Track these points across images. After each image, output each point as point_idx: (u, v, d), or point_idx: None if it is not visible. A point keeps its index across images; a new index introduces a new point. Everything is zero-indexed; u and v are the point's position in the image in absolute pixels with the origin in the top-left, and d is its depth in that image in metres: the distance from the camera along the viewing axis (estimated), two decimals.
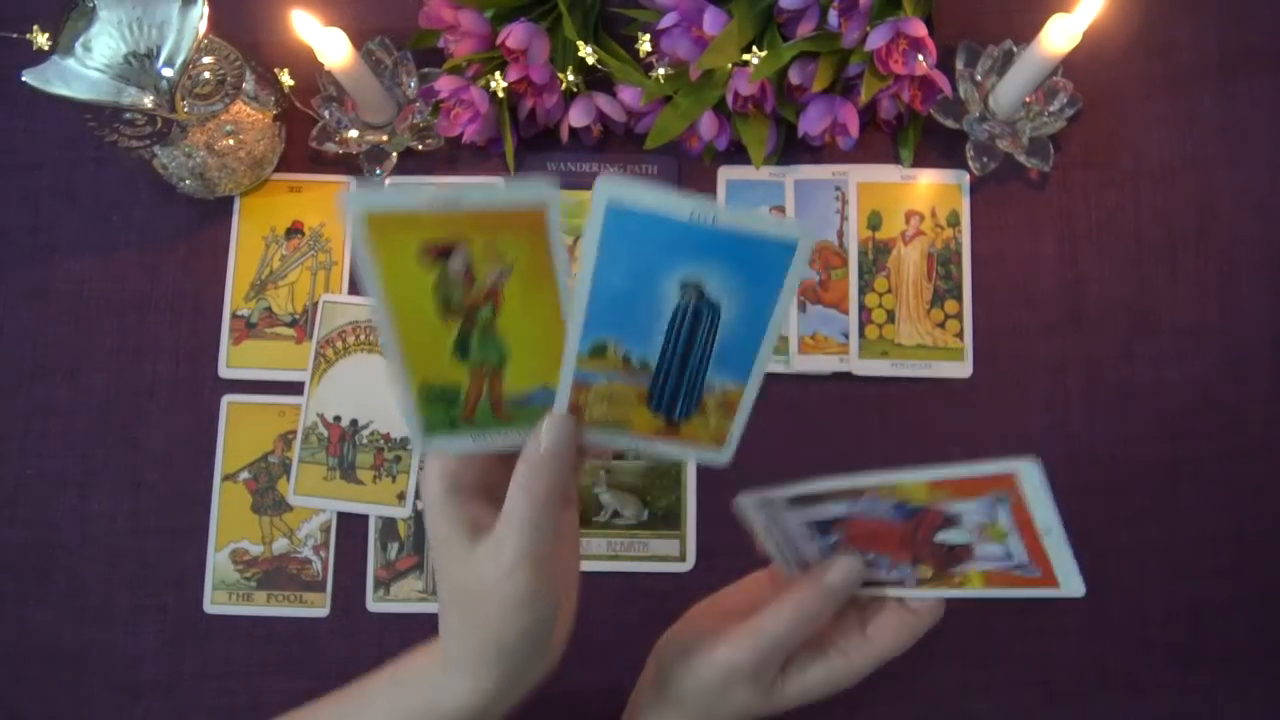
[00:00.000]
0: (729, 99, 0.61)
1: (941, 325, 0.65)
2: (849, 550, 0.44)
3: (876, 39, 0.58)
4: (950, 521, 0.39)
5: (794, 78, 0.62)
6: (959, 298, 0.65)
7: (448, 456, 0.42)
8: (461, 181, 0.37)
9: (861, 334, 0.64)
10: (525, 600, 0.41)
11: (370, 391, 0.65)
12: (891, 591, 0.45)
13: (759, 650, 0.44)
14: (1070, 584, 0.39)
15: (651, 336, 0.38)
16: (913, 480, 0.38)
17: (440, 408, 0.41)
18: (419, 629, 0.62)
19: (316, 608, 0.63)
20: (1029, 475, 0.36)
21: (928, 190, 0.66)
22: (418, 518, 0.64)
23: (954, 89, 0.66)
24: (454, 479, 0.42)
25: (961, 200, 0.66)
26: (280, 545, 0.64)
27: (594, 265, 0.36)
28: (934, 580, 0.43)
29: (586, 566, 0.63)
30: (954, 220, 0.65)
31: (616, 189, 0.35)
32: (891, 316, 0.65)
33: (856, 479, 0.40)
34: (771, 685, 0.46)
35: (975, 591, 0.42)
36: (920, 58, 0.60)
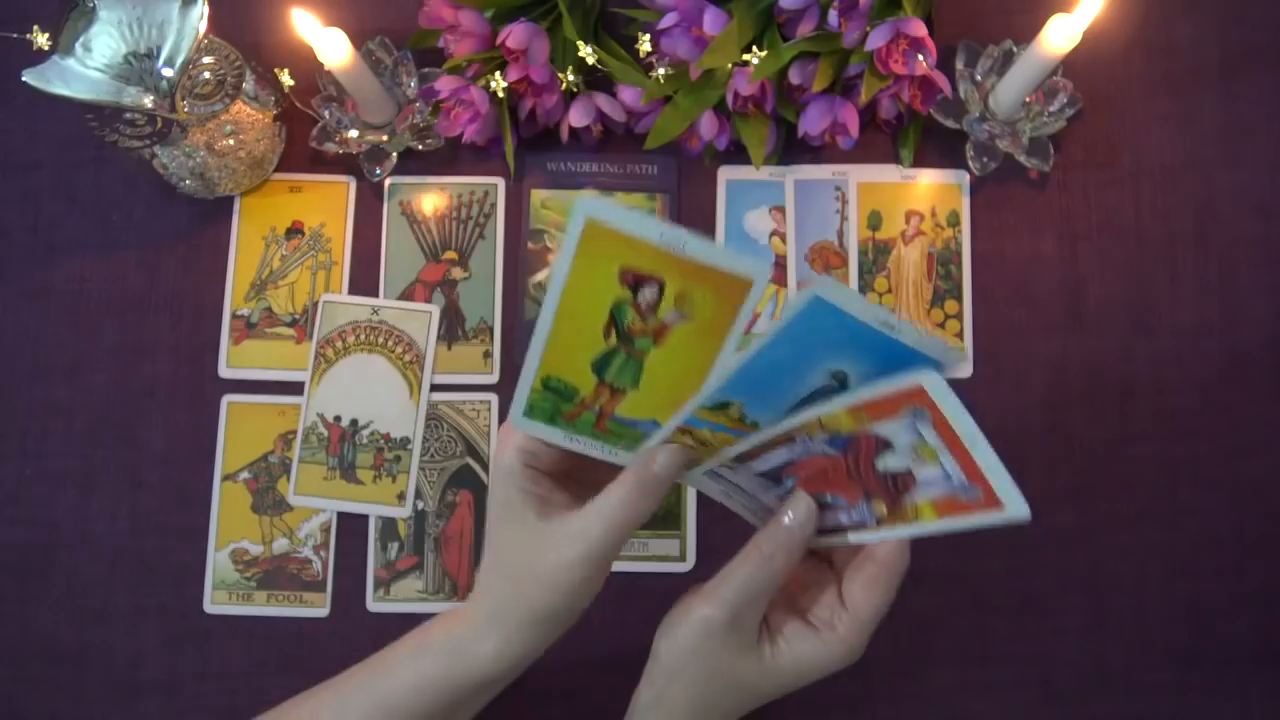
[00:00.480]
0: (729, 99, 0.61)
1: (941, 325, 0.65)
2: (804, 494, 0.45)
3: (876, 39, 0.58)
4: (885, 445, 0.40)
5: (794, 78, 0.62)
6: (959, 298, 0.65)
7: (529, 436, 0.45)
8: (670, 227, 0.37)
9: None
10: (576, 589, 0.44)
11: (370, 391, 0.65)
12: (853, 537, 0.45)
13: (726, 599, 0.44)
14: (1013, 504, 0.38)
15: (778, 407, 0.41)
16: (832, 410, 0.39)
17: (551, 399, 0.44)
18: None
19: (316, 608, 0.63)
20: (933, 384, 0.36)
21: (928, 190, 0.66)
22: (418, 518, 0.64)
23: (954, 89, 0.66)
24: (532, 456, 0.45)
25: (961, 200, 0.66)
26: (280, 545, 0.64)
27: (772, 339, 0.38)
28: (891, 517, 0.43)
29: None
30: (954, 220, 0.65)
31: (829, 288, 0.36)
32: None
33: (783, 425, 0.41)
34: (761, 652, 0.46)
35: (931, 525, 0.41)
36: (920, 58, 0.60)
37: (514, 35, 0.60)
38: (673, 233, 0.38)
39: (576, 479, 0.47)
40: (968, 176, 0.66)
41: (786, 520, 0.44)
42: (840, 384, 0.39)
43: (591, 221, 0.38)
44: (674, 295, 0.39)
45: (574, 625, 0.46)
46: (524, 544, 0.44)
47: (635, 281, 0.39)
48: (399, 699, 0.47)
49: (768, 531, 0.44)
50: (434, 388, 0.65)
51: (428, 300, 0.66)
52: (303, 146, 0.67)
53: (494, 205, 0.67)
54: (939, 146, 0.67)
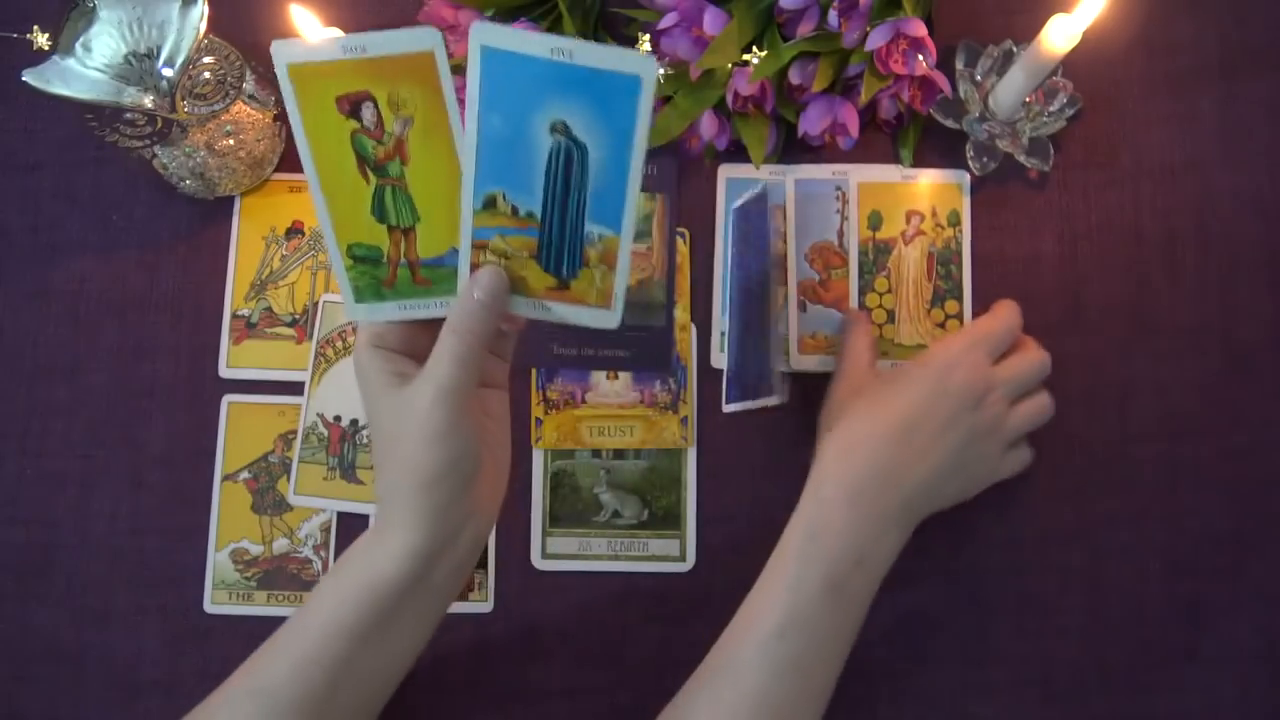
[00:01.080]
0: (729, 99, 0.61)
1: (942, 325, 0.65)
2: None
3: (876, 39, 0.58)
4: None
5: (794, 78, 0.62)
6: (959, 298, 0.65)
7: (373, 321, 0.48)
8: (349, 36, 0.40)
9: None
10: (443, 433, 0.45)
11: None
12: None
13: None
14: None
15: (534, 186, 0.42)
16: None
17: (366, 270, 0.46)
18: None
19: None
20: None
21: (928, 190, 0.66)
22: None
23: (954, 89, 0.66)
24: (380, 338, 0.48)
25: (962, 200, 0.66)
26: (280, 545, 0.64)
27: (477, 108, 0.40)
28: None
29: (586, 567, 0.63)
30: (954, 220, 0.65)
31: (490, 32, 0.39)
32: (892, 317, 0.65)
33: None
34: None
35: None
36: (920, 58, 0.60)
37: None
38: (350, 39, 0.39)
39: (425, 356, 0.48)
40: (968, 176, 0.66)
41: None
42: (567, 137, 0.40)
43: (292, 66, 0.40)
44: (386, 103, 0.41)
45: (498, 504, 0.51)
46: (391, 414, 0.46)
47: (352, 107, 0.41)
48: (325, 620, 0.49)
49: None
50: None
51: None
52: None
53: None
54: (939, 146, 0.67)
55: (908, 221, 0.65)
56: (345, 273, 0.46)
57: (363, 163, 0.43)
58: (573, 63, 0.38)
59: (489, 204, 0.43)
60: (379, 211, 0.44)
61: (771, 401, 0.61)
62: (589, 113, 0.40)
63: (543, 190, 0.42)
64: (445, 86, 0.41)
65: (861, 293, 0.65)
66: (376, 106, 0.42)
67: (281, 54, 0.40)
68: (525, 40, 0.38)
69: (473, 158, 0.41)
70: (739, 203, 0.65)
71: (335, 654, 0.48)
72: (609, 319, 0.46)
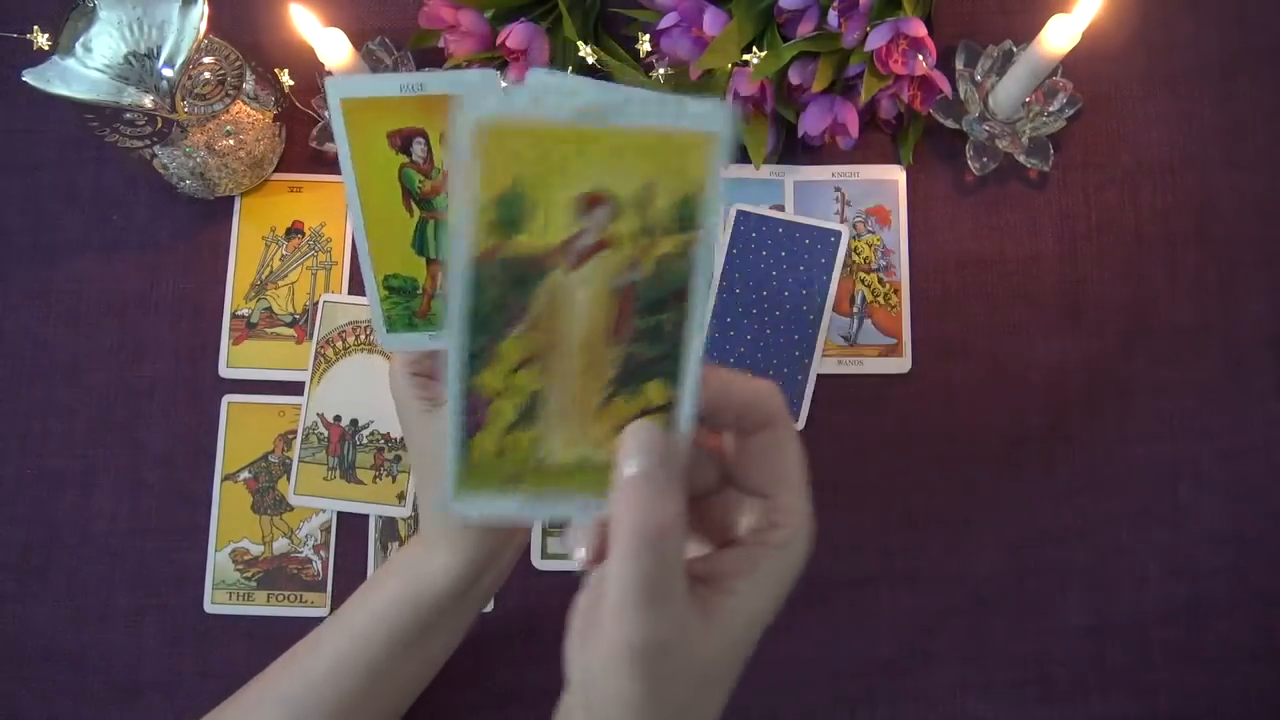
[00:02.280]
0: (729, 99, 0.61)
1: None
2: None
3: (876, 39, 0.58)
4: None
5: (794, 78, 0.62)
6: (673, 373, 0.33)
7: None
8: (407, 75, 0.41)
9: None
10: None
11: (370, 391, 0.65)
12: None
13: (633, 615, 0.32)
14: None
15: None
16: None
17: (400, 301, 0.45)
18: None
19: (316, 608, 0.63)
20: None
21: (636, 146, 0.31)
22: (418, 518, 0.64)
23: (954, 89, 0.66)
24: (415, 364, 0.47)
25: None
26: (280, 545, 0.64)
27: None
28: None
29: None
30: (686, 213, 0.30)
31: (537, 76, 0.39)
32: (528, 409, 0.32)
33: None
34: (711, 616, 0.33)
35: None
36: (920, 58, 0.60)
37: (514, 35, 0.60)
38: (410, 78, 0.39)
39: None
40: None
41: (629, 470, 0.31)
42: None
43: (345, 101, 0.39)
44: (438, 140, 0.41)
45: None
46: (429, 440, 0.46)
47: (403, 142, 0.41)
48: (365, 625, 0.49)
49: (622, 500, 0.30)
50: None
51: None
52: (303, 146, 0.67)
53: None
54: (939, 146, 0.67)
55: (583, 213, 0.31)
56: (379, 303, 0.46)
57: (409, 196, 0.44)
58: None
59: None
60: (419, 244, 0.45)
61: None
62: None
63: None
64: None
65: (470, 367, 0.31)
66: (428, 142, 0.42)
67: (336, 89, 0.40)
68: (573, 84, 0.39)
69: None
70: None
71: (373, 659, 0.49)
72: None
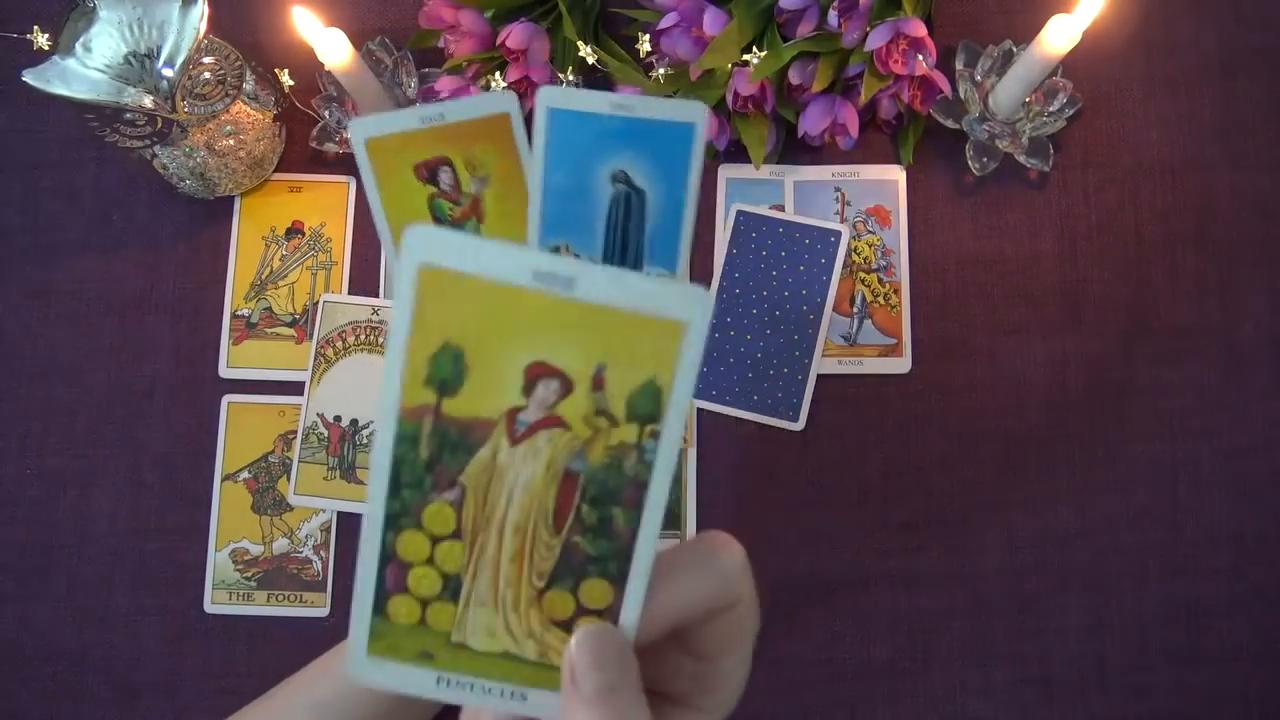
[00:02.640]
0: (729, 99, 0.61)
1: (566, 624, 0.30)
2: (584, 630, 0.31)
3: (876, 39, 0.58)
4: None
5: (794, 78, 0.62)
6: (617, 575, 0.31)
7: None
8: (426, 106, 0.42)
9: None
10: None
11: (370, 391, 0.65)
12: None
13: None
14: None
15: (595, 234, 0.43)
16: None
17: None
18: None
19: (316, 608, 0.63)
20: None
21: (622, 328, 0.30)
22: None
23: (954, 89, 0.66)
24: None
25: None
26: (280, 545, 0.64)
27: (542, 165, 0.41)
28: None
29: None
30: (652, 390, 0.28)
31: (556, 96, 0.40)
32: (453, 588, 0.30)
33: None
34: None
35: None
36: (920, 58, 0.60)
37: (514, 35, 0.60)
38: (429, 109, 0.40)
39: None
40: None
41: (589, 686, 0.28)
42: (627, 184, 0.42)
43: (370, 141, 0.40)
44: (464, 165, 0.41)
45: None
46: None
47: (429, 173, 0.42)
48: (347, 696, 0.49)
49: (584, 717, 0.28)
50: None
51: None
52: (303, 146, 0.67)
53: None
54: (939, 146, 0.67)
55: (529, 386, 0.28)
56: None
57: (439, 224, 0.44)
58: (633, 115, 0.40)
59: (554, 252, 0.44)
60: None
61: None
62: (647, 160, 0.42)
63: (604, 236, 0.44)
64: (520, 145, 0.42)
65: (388, 525, 0.29)
66: (454, 169, 0.43)
67: (360, 130, 0.41)
68: (588, 99, 0.40)
69: (538, 209, 0.42)
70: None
71: None
72: None
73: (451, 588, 0.29)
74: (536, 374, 0.27)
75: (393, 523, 0.28)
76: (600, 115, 0.40)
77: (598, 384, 0.27)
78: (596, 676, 0.27)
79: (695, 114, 0.40)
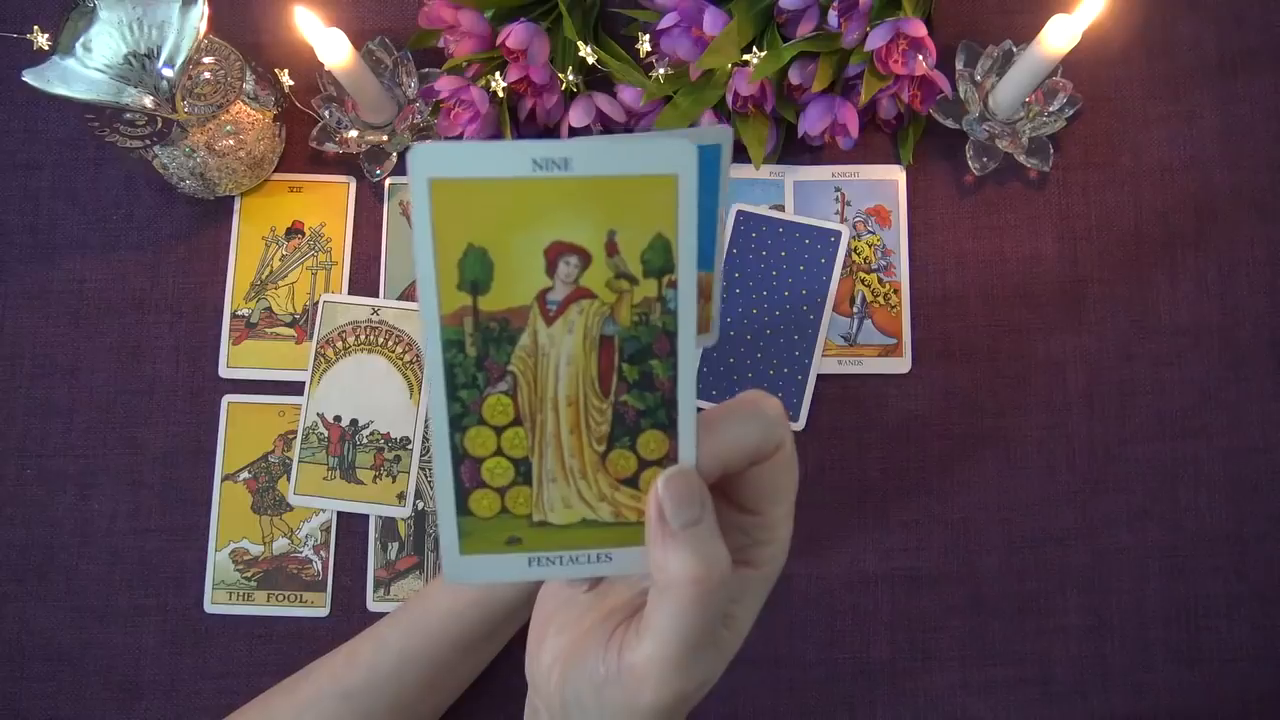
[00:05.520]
0: (729, 99, 0.61)
1: (630, 481, 0.32)
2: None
3: (876, 39, 0.58)
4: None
5: (794, 78, 0.62)
6: (668, 425, 0.31)
7: None
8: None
9: None
10: None
11: (370, 391, 0.65)
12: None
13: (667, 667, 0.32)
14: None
15: (709, 253, 0.41)
16: None
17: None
18: None
19: (316, 608, 0.63)
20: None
21: (613, 190, 0.31)
22: (418, 517, 0.64)
23: (954, 89, 0.66)
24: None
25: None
26: (280, 545, 0.64)
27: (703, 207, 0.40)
28: None
29: None
30: (662, 256, 0.30)
31: (700, 135, 0.39)
32: (525, 471, 0.31)
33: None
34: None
35: None
36: (920, 58, 0.60)
37: (514, 35, 0.60)
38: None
39: None
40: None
41: (679, 522, 0.30)
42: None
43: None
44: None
45: None
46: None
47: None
48: (435, 625, 0.50)
49: (674, 553, 0.30)
50: None
51: None
52: (303, 146, 0.67)
53: None
54: (939, 146, 0.67)
55: (551, 266, 0.29)
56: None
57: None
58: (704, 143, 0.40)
59: None
60: None
61: None
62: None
63: (712, 257, 0.44)
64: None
65: (455, 427, 0.30)
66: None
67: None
68: (705, 134, 0.40)
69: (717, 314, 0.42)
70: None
71: (440, 658, 0.50)
72: (711, 340, 0.46)
73: (523, 471, 0.31)
74: (556, 253, 0.29)
75: (457, 424, 0.30)
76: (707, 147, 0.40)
77: (612, 250, 0.29)
78: (684, 513, 0.29)
79: (723, 136, 0.41)
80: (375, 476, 0.64)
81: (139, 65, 0.56)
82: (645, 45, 0.61)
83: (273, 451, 0.65)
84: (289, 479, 0.64)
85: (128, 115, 0.57)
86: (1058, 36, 0.57)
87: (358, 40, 0.61)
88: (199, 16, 0.56)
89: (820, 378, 0.65)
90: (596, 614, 0.34)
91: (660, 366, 0.30)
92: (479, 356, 0.29)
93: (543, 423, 0.30)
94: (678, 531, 0.29)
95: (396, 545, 0.64)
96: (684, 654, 0.30)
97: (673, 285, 0.29)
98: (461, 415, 0.30)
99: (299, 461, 0.64)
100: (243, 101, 0.62)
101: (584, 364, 0.30)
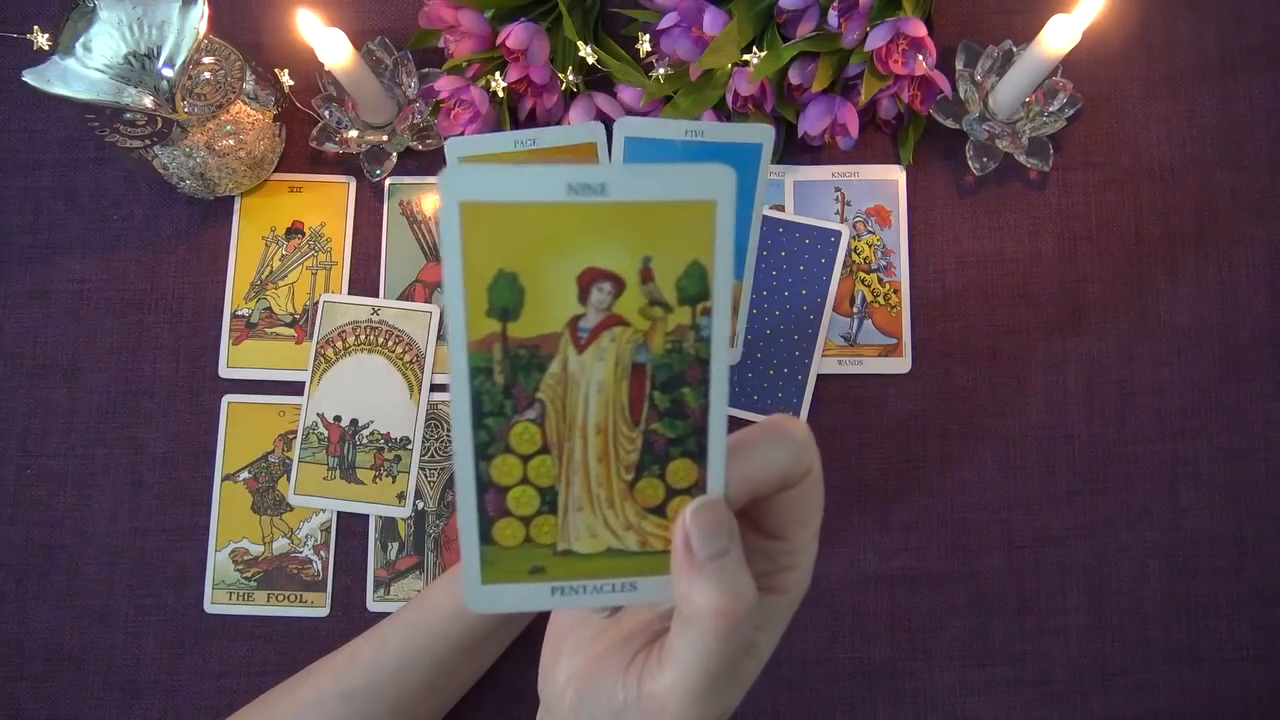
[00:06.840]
0: (729, 99, 0.61)
1: (658, 510, 0.32)
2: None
3: (876, 39, 0.58)
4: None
5: (794, 78, 0.62)
6: (698, 454, 0.32)
7: None
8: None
9: None
10: None
11: (370, 391, 0.65)
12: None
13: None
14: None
15: None
16: None
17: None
18: None
19: (316, 608, 0.63)
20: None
21: (653, 216, 0.31)
22: (418, 517, 0.64)
23: (954, 89, 0.66)
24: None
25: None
26: (280, 545, 0.64)
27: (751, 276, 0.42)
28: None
29: None
30: (697, 282, 0.29)
31: (632, 126, 0.41)
32: (551, 499, 0.31)
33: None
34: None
35: None
36: (920, 58, 0.60)
37: (514, 35, 0.60)
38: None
39: None
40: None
41: (705, 553, 0.29)
42: None
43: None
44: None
45: None
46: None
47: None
48: (436, 625, 0.50)
49: (700, 584, 0.29)
50: (434, 388, 0.65)
51: (428, 300, 0.66)
52: (303, 146, 0.67)
53: None
54: (939, 146, 0.67)
55: (584, 293, 0.29)
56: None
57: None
58: (704, 140, 0.41)
59: None
60: None
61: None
62: None
63: None
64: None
65: (480, 455, 0.30)
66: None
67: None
68: (662, 127, 0.41)
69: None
70: None
71: (441, 659, 0.50)
72: (734, 358, 0.46)
73: (549, 500, 0.30)
74: (589, 280, 0.28)
75: (482, 452, 0.29)
76: (674, 142, 0.40)
77: (646, 276, 0.28)
78: (711, 544, 0.29)
79: (764, 135, 0.41)
80: (375, 476, 0.64)
81: (139, 65, 0.56)
82: (645, 45, 0.61)
83: (273, 451, 0.65)
84: (289, 479, 0.64)
85: (128, 115, 0.57)
86: (1058, 36, 0.57)
87: (358, 40, 0.61)
88: (199, 16, 0.56)
89: (820, 378, 0.65)
90: (614, 636, 0.34)
91: (692, 394, 0.30)
92: (506, 384, 0.29)
93: (570, 451, 0.30)
94: (704, 563, 0.29)
95: (396, 545, 0.64)
96: (706, 685, 0.29)
97: (707, 313, 0.29)
98: (488, 443, 0.29)
99: (299, 461, 0.64)
100: (243, 101, 0.62)
101: (614, 392, 0.29)
